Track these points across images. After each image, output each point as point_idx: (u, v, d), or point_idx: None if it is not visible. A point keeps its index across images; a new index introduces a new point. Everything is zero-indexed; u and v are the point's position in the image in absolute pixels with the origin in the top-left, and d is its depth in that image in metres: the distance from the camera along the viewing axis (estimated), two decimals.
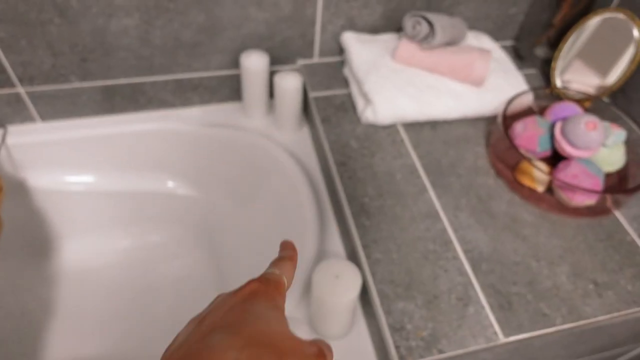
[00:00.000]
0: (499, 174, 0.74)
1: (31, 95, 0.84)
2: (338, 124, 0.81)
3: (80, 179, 0.95)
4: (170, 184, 0.99)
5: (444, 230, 0.67)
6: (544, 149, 0.73)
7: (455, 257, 0.64)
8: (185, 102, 0.93)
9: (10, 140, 0.87)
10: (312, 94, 0.86)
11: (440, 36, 0.77)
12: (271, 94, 0.94)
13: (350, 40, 0.86)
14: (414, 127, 0.81)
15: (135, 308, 0.96)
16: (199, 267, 1.02)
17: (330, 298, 0.57)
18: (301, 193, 0.79)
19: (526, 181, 0.71)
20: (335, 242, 0.73)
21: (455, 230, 0.67)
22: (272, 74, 0.90)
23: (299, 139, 0.91)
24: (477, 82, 0.79)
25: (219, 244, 1.00)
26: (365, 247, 0.64)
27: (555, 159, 0.73)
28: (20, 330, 0.91)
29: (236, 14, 0.81)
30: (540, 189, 0.70)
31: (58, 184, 0.95)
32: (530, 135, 0.73)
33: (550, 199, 0.70)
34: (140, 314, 0.95)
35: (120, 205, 1.00)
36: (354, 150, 0.77)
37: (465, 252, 0.65)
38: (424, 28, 0.78)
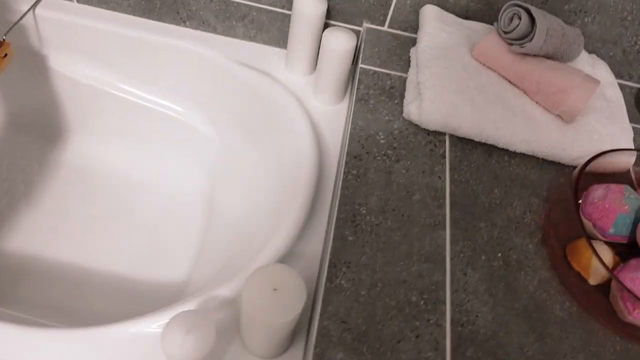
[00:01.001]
0: (545, 241, 0.56)
1: None
2: (375, 109, 0.65)
3: (101, 75, 0.88)
4: (187, 109, 0.90)
5: (441, 286, 0.51)
6: (619, 233, 0.53)
7: (439, 325, 0.48)
8: (227, 30, 0.81)
9: (42, 11, 0.81)
10: (362, 65, 0.70)
11: (538, 40, 0.58)
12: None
13: (431, 14, 0.68)
14: (465, 144, 0.63)
15: (120, 215, 0.91)
16: (194, 190, 0.94)
17: (260, 316, 0.44)
18: (303, 174, 0.65)
19: (576, 264, 0.52)
20: (318, 246, 0.59)
21: (456, 291, 0.51)
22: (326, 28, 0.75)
23: (333, 112, 0.76)
24: (568, 116, 0.60)
25: (218, 175, 0.91)
26: (332, 266, 0.50)
27: (629, 251, 0.53)
28: None
29: None
30: (592, 281, 0.51)
31: (79, 74, 0.88)
32: (608, 208, 0.53)
33: (600, 299, 0.51)
34: (122, 221, 0.90)
35: (134, 116, 0.92)
36: (378, 145, 0.61)
37: (455, 322, 0.48)
38: (522, 25, 0.59)
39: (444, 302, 0.50)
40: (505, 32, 0.61)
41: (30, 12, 0.79)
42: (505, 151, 0.64)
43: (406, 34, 0.76)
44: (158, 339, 0.50)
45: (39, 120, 0.96)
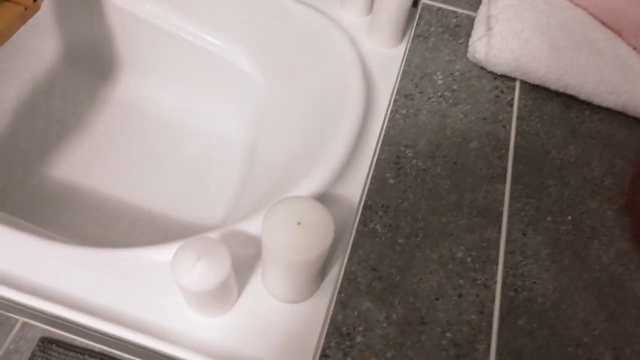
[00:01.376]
0: (629, 209, 0.47)
1: None
2: (435, 48, 0.57)
3: (157, 10, 0.86)
4: (237, 49, 0.86)
5: (494, 244, 0.43)
6: None
7: (487, 287, 0.41)
8: None
9: None
10: (424, 1, 0.62)
11: None
12: None
13: None
14: (538, 93, 0.54)
15: (163, 154, 0.89)
16: (237, 135, 0.91)
17: (280, 251, 0.39)
18: (347, 117, 0.59)
19: None
20: (357, 191, 0.53)
21: (511, 252, 0.43)
22: None
23: (389, 55, 0.69)
24: None
25: (262, 120, 0.87)
26: (367, 207, 0.44)
27: None
28: (42, 133, 0.90)
29: None
30: None
31: (135, 7, 0.86)
32: None
33: None
34: (164, 161, 0.89)
35: (184, 53, 0.90)
36: (434, 85, 0.54)
37: (507, 286, 0.41)
38: None
39: (496, 263, 0.42)
40: None
41: None
42: (588, 104, 0.54)
43: None
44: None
45: (93, 54, 0.96)
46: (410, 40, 0.59)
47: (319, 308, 0.45)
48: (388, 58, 0.68)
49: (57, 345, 0.55)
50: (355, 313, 0.39)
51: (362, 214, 0.44)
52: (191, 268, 0.39)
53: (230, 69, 0.88)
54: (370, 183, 0.46)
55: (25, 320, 0.57)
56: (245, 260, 0.47)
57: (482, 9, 0.59)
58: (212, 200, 0.84)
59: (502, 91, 0.54)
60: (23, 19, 0.65)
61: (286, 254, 0.39)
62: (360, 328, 0.38)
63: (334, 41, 0.69)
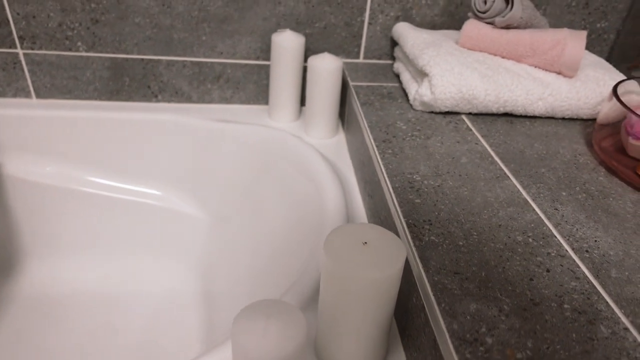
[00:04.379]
0: (613, 172, 0.51)
1: (29, 60, 0.73)
2: (382, 108, 0.62)
3: (65, 171, 0.79)
4: (167, 191, 0.81)
5: (540, 222, 0.43)
6: None
7: (562, 255, 0.39)
8: (203, 96, 0.79)
9: None
10: (353, 83, 0.69)
11: (518, 7, 0.61)
12: (302, 101, 0.78)
13: (404, 27, 0.71)
14: (483, 118, 0.61)
15: (100, 337, 0.72)
16: (187, 287, 0.79)
17: (348, 270, 0.33)
18: (326, 198, 0.57)
19: None
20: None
21: (558, 224, 0.43)
22: (305, 72, 0.76)
23: (332, 144, 0.72)
24: (569, 68, 0.61)
25: (213, 258, 0.78)
26: (411, 225, 0.41)
27: None
28: None
29: None
30: None
31: (37, 175, 0.78)
32: None
33: None
34: (106, 342, 0.70)
35: (107, 222, 0.81)
36: (401, 130, 0.57)
37: (578, 250, 0.40)
38: (498, 2, 0.63)
39: (554, 236, 0.41)
40: (483, 12, 0.65)
41: None
42: (525, 117, 0.62)
43: (382, 61, 0.78)
44: None
45: None
46: (359, 104, 0.63)
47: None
48: (332, 143, 0.72)
49: None
50: (468, 317, 0.33)
51: (410, 231, 0.40)
52: (264, 328, 0.30)
53: (164, 216, 0.81)
54: (400, 206, 0.43)
55: None
56: None
57: (405, 75, 0.67)
58: None
59: (456, 123, 0.59)
60: None
61: (355, 273, 0.33)
62: (483, 329, 0.32)
63: (281, 141, 0.70)
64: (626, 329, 0.33)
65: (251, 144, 0.73)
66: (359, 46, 0.77)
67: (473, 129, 0.58)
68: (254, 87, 0.79)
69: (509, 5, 0.62)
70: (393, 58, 0.78)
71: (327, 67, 0.67)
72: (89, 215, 0.81)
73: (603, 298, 0.35)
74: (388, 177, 0.48)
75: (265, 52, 0.75)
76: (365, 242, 0.35)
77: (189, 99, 0.79)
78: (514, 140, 0.57)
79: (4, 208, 0.79)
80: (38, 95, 0.77)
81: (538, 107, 0.60)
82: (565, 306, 0.34)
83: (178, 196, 0.81)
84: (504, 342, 0.31)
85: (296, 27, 0.74)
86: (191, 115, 0.76)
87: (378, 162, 0.51)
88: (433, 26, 0.76)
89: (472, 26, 0.65)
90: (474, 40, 0.65)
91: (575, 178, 0.50)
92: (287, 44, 0.69)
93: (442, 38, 0.68)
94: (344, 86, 0.74)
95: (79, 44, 0.72)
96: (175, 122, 0.76)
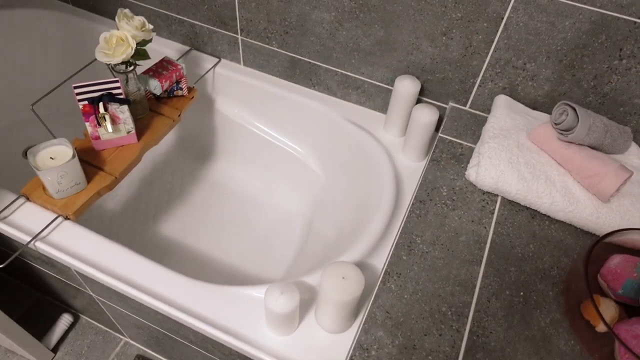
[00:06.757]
0: (566, 292, 0.69)
1: (244, 44, 1.09)
2: (444, 169, 0.84)
3: (248, 117, 1.19)
4: (304, 150, 1.16)
5: (467, 305, 0.67)
6: (628, 295, 0.65)
7: (459, 331, 0.64)
8: (345, 96, 1.07)
9: (219, 69, 1.14)
10: (441, 134, 0.90)
11: (580, 133, 0.73)
12: None
13: (502, 102, 0.87)
14: (513, 206, 0.79)
15: (241, 221, 1.20)
16: (298, 213, 1.19)
17: (332, 294, 0.65)
18: (380, 211, 0.86)
19: (587, 314, 0.65)
20: (381, 260, 0.79)
21: (478, 312, 0.66)
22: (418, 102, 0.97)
23: (414, 167, 0.96)
24: (601, 196, 0.73)
25: (318, 203, 1.15)
26: (387, 273, 0.69)
27: (636, 311, 0.64)
28: (157, 199, 1.22)
29: (410, 41, 0.90)
30: (599, 328, 0.63)
31: (232, 114, 1.21)
32: (619, 272, 0.65)
33: (603, 348, 0.63)
34: (241, 226, 1.18)
35: (264, 149, 1.22)
36: (440, 195, 0.80)
37: (472, 333, 0.64)
38: (569, 120, 0.75)
39: (467, 317, 0.65)
40: (556, 124, 0.77)
41: (212, 70, 1.13)
42: (548, 217, 0.78)
43: (483, 114, 0.95)
44: (261, 300, 0.73)
45: (197, 144, 1.30)
46: (429, 159, 0.86)
47: (350, 335, 0.69)
48: (413, 170, 0.96)
49: None
50: (372, 337, 0.63)
51: (382, 277, 0.69)
52: (278, 297, 0.65)
53: (299, 164, 1.18)
54: (390, 258, 0.71)
55: (127, 340, 0.84)
56: (303, 303, 0.72)
57: (478, 144, 0.86)
58: (276, 260, 1.11)
59: (487, 202, 0.79)
60: (170, 128, 0.98)
61: (336, 296, 0.64)
62: (375, 347, 0.62)
63: (377, 154, 0.97)
64: None
65: (360, 147, 1.01)
66: (467, 98, 0.94)
67: (496, 213, 0.78)
68: (380, 101, 1.04)
69: (575, 127, 0.74)
70: None
71: (421, 120, 0.89)
72: (254, 146, 1.22)
73: None
74: (400, 233, 0.74)
75: (393, 81, 0.98)
76: (344, 277, 0.65)
77: (334, 94, 1.08)
78: (518, 235, 0.75)
79: (211, 124, 1.24)
80: (244, 64, 1.14)
81: (558, 215, 0.76)
82: (429, 357, 0.61)
83: (310, 156, 1.17)
84: (379, 357, 0.61)
85: (420, 73, 0.94)
86: (332, 107, 1.07)
87: (401, 218, 0.77)
88: (534, 103, 0.88)
89: (542, 130, 0.79)
90: (539, 143, 0.79)
91: (529, 285, 0.69)
92: (404, 89, 0.92)
93: (521, 126, 0.82)
94: (438, 127, 0.94)
95: (274, 42, 1.05)
96: (320, 110, 1.07)
